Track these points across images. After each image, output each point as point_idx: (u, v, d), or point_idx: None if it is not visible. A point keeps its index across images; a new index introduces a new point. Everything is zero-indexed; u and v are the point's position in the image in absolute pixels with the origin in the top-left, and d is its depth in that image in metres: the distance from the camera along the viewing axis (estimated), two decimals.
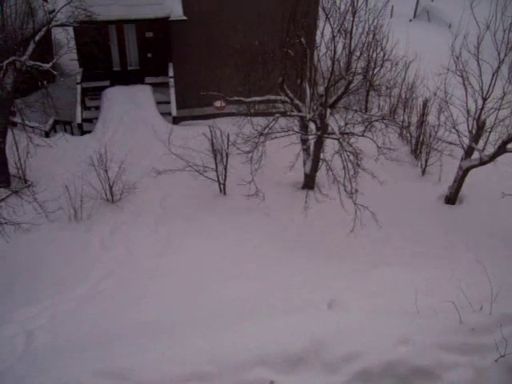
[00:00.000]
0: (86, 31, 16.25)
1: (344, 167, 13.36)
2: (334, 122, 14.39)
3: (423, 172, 16.75)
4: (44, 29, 15.89)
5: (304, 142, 15.20)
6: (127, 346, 7.12)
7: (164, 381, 6.28)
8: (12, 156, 15.28)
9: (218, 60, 19.08)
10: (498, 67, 13.35)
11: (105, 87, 19.50)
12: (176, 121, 19.00)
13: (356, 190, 13.22)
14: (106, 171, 14.33)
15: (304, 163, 15.36)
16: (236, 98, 14.97)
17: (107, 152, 14.55)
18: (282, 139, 14.65)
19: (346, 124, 14.30)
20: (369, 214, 13.07)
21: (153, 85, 19.90)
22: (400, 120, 17.97)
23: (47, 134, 17.84)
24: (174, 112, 18.92)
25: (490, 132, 14.09)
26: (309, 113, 14.50)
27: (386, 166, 15.08)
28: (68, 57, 18.57)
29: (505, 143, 13.46)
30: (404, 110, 18.46)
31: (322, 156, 14.71)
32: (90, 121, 19.43)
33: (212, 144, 14.80)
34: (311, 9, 14.97)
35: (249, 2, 18.62)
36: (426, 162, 16.57)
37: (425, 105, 16.96)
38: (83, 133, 18.73)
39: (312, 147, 15.09)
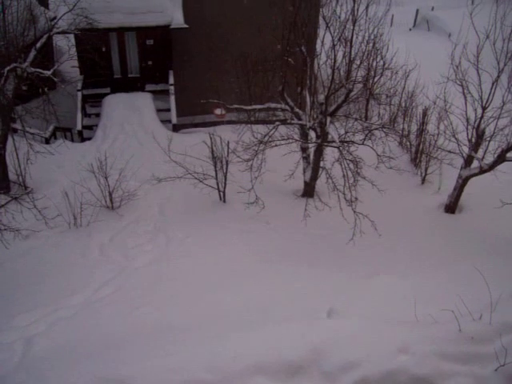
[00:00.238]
0: (87, 38, 16.35)
1: (344, 175, 13.37)
2: (334, 131, 14.40)
3: (423, 181, 16.76)
4: (45, 36, 16.03)
5: (304, 150, 15.22)
6: (127, 353, 7.10)
7: None
8: (12, 162, 15.31)
9: (218, 68, 19.16)
10: (498, 76, 13.38)
11: (105, 94, 19.59)
12: (176, 128, 19.06)
13: (356, 199, 13.22)
14: (106, 178, 14.34)
15: (304, 171, 15.37)
16: (236, 105, 15.01)
17: (107, 159, 14.57)
18: (281, 147, 14.66)
19: (346, 132, 14.32)
20: (368, 222, 13.06)
21: (153, 92, 20.00)
22: (400, 128, 17.99)
23: (47, 141, 17.90)
24: (175, 119, 18.98)
25: (489, 141, 14.09)
26: (309, 121, 14.52)
27: (386, 174, 15.06)
28: (69, 64, 18.70)
29: (504, 152, 13.49)
30: (404, 119, 18.48)
31: (321, 164, 14.72)
32: (90, 128, 19.50)
33: (212, 151, 14.81)
34: (311, 17, 15.02)
35: (250, 10, 18.73)
36: (426, 170, 16.57)
37: (424, 113, 16.98)
38: (83, 140, 18.78)
39: (312, 155, 15.10)
